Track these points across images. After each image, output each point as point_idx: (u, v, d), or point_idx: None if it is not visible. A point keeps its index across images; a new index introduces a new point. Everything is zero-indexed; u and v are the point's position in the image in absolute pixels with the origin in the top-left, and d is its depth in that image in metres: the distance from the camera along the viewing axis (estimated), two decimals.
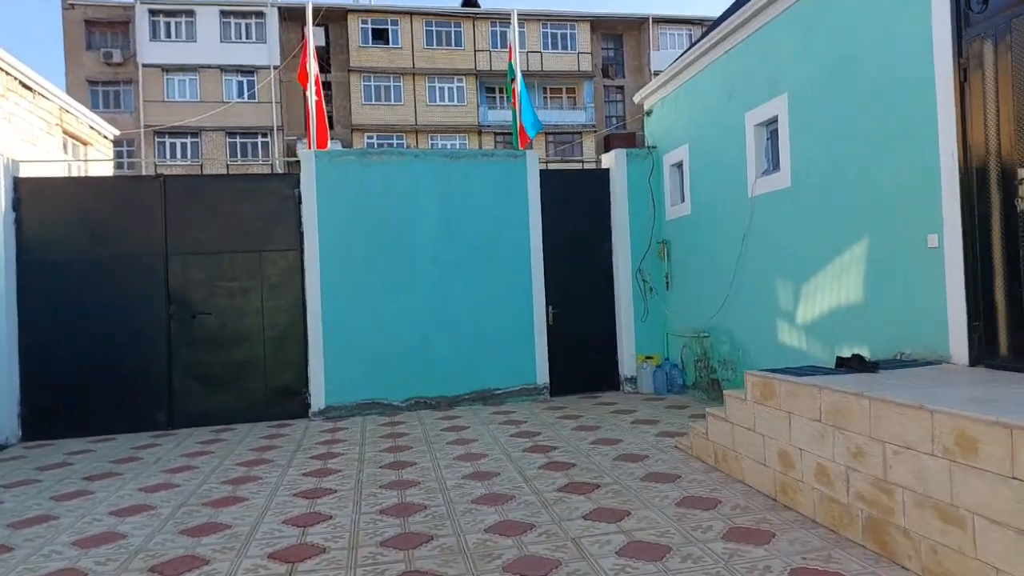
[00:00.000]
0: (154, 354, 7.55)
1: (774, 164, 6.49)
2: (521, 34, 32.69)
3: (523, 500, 4.52)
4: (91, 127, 12.83)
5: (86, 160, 11.65)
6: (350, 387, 7.87)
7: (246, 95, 29.65)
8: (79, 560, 3.79)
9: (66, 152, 11.65)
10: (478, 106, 32.40)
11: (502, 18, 32.43)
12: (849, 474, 3.63)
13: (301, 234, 7.94)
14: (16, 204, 7.40)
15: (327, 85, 31.91)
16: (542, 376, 8.43)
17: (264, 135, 29.78)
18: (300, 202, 7.95)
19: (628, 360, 8.80)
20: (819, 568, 3.27)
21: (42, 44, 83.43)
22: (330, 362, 7.83)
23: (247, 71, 29.85)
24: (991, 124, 4.14)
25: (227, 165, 28.46)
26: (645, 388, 8.60)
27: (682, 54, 8.46)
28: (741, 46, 6.87)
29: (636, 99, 9.65)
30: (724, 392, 5.03)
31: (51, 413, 7.28)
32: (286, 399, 7.85)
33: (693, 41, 32.53)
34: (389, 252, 8.07)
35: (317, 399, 7.82)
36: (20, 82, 10.10)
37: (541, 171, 8.58)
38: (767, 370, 4.73)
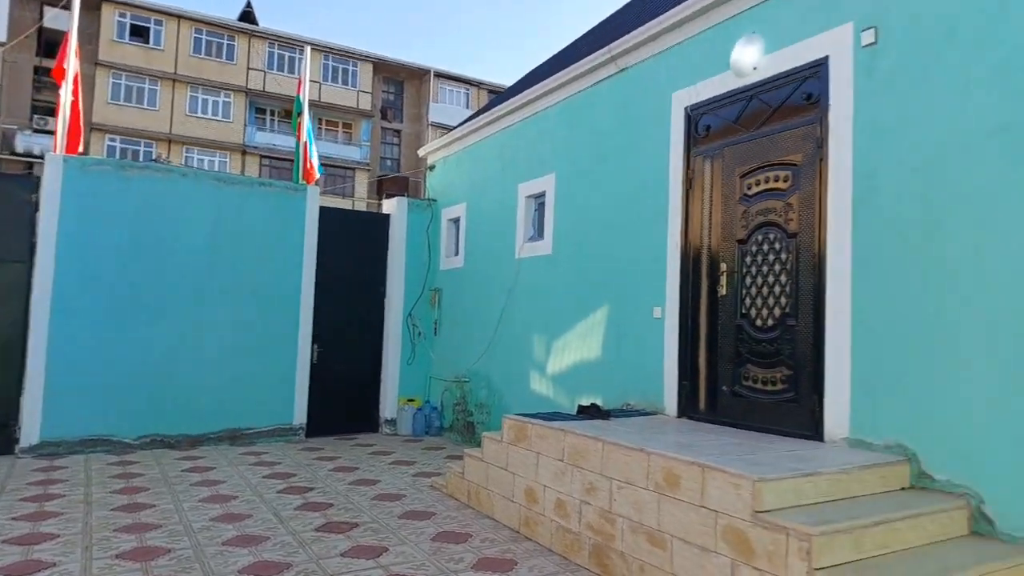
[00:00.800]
0: None
1: (539, 232, 7.29)
2: (300, 60, 31.98)
3: (279, 540, 4.46)
4: None
5: None
6: (73, 421, 6.97)
7: None
8: None
9: None
10: (245, 125, 30.81)
11: (280, 40, 31.52)
12: (582, 507, 4.22)
13: (34, 245, 6.98)
14: None
15: None
16: (299, 416, 8.24)
17: None
18: (37, 209, 7.02)
19: (390, 402, 8.97)
20: None
21: None
22: (51, 391, 6.88)
23: None
24: (705, 225, 5.20)
25: None
26: (404, 430, 8.82)
27: (467, 120, 9.14)
28: (519, 125, 7.68)
29: (420, 153, 10.12)
30: (484, 434, 5.47)
31: None
32: None
33: (468, 100, 34.17)
34: (140, 275, 7.41)
35: (29, 433, 6.79)
36: None
37: (321, 208, 8.56)
38: (521, 414, 5.27)
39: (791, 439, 4.35)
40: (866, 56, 4.13)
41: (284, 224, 8.27)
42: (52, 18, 26.24)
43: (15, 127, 25.99)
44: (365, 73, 33.58)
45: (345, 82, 32.99)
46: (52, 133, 26.33)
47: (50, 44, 27.69)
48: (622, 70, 6.10)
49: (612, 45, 6.08)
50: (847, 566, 3.01)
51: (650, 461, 3.78)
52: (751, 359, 4.78)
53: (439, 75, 35.72)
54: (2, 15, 25.34)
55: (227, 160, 30.19)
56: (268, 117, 32.01)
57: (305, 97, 9.46)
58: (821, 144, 4.35)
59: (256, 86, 30.71)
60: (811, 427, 4.32)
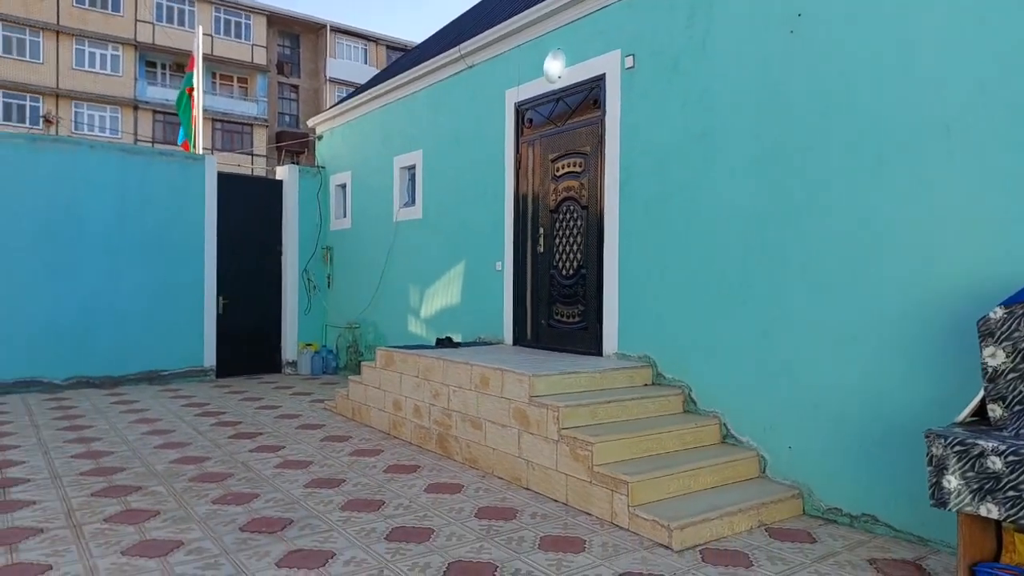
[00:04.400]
0: None
1: (412, 199, 8.70)
2: (191, 13, 31.27)
3: (199, 445, 5.82)
4: None
5: None
6: (5, 364, 7.96)
7: None
8: None
9: None
10: (135, 79, 30.05)
11: None
12: (431, 408, 5.81)
13: None
14: None
15: None
16: (209, 359, 9.45)
17: None
18: None
19: (291, 346, 10.29)
20: (405, 464, 5.32)
21: None
22: None
23: None
24: (529, 198, 6.77)
25: None
26: (304, 370, 10.17)
27: (349, 96, 10.31)
28: (395, 104, 8.98)
29: (310, 123, 11.20)
30: (362, 362, 6.95)
31: None
32: None
33: (367, 56, 34.32)
34: (57, 236, 8.34)
35: None
36: None
37: (221, 174, 9.61)
38: (390, 346, 6.77)
39: (583, 356, 6.05)
40: (628, 76, 5.73)
41: (185, 190, 9.29)
42: None
43: None
44: (259, 26, 33.16)
45: (239, 35, 32.52)
46: None
47: None
48: (470, 67, 7.51)
49: (462, 45, 7.47)
50: (585, 427, 4.70)
51: (472, 370, 5.39)
52: (559, 300, 6.45)
53: (336, 30, 35.65)
54: None
55: (118, 115, 29.51)
56: (159, 71, 31.25)
57: (198, 73, 10.29)
58: (601, 139, 5.96)
59: (145, 39, 29.90)
60: (596, 347, 6.03)
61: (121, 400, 7.80)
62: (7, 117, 27.01)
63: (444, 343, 6.85)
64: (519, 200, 6.89)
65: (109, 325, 8.66)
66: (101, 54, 29.12)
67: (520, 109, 6.87)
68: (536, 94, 6.65)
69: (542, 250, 6.63)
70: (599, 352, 5.98)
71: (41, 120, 27.27)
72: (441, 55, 7.87)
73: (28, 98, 27.48)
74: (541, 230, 6.63)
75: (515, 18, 6.73)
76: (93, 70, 28.86)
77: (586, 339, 6.15)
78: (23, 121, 27.21)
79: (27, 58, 27.40)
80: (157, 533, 3.72)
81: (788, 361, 4.49)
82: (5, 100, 27.01)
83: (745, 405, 4.77)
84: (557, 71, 6.30)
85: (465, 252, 7.62)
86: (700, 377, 5.13)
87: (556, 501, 4.43)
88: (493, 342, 7.12)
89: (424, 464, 5.32)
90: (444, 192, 8.00)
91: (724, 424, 4.92)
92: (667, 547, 3.64)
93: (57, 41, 27.99)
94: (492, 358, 5.75)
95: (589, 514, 4.17)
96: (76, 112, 28.49)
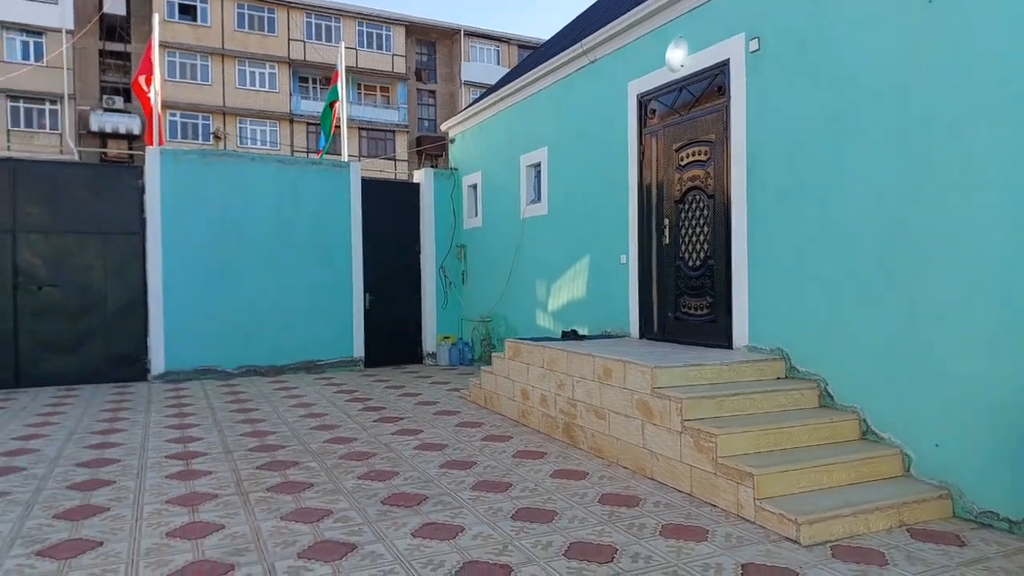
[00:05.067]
0: (1, 321, 8.24)
1: (538, 196, 8.91)
2: (336, 29, 33.53)
3: (348, 427, 6.35)
4: None
5: None
6: (188, 355, 9.08)
7: (32, 57, 27.29)
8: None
9: None
10: (291, 94, 32.70)
11: (316, 10, 33.00)
12: (556, 398, 5.97)
13: (144, 221, 8.97)
14: None
15: (126, 56, 30.33)
16: (358, 350, 10.21)
17: (53, 102, 27.65)
18: (144, 192, 8.97)
19: (430, 339, 10.88)
20: (533, 450, 5.53)
21: None
22: (170, 333, 8.98)
23: (35, 32, 27.49)
24: (653, 189, 6.75)
25: (7, 131, 26.12)
26: (442, 361, 10.71)
27: (477, 100, 10.69)
28: (517, 106, 9.24)
29: (443, 127, 11.74)
30: (492, 354, 7.25)
31: None
32: (126, 365, 8.88)
33: (499, 57, 35.12)
34: (226, 241, 9.36)
35: (157, 365, 8.93)
36: None
37: (364, 180, 10.34)
38: (518, 338, 7.02)
39: (711, 349, 5.95)
40: (753, 60, 5.56)
41: (334, 196, 10.09)
42: (110, 3, 28.32)
43: (88, 107, 28.42)
44: (398, 36, 34.91)
45: (380, 47, 34.43)
46: (122, 112, 28.81)
47: (111, 27, 29.89)
48: (593, 61, 7.58)
49: (584, 40, 7.55)
50: (710, 420, 4.66)
51: (594, 361, 5.49)
52: (686, 292, 6.39)
53: (469, 33, 36.76)
54: (67, 6, 27.48)
55: (276, 128, 32.25)
56: (311, 85, 33.76)
57: (342, 85, 11.08)
58: (726, 126, 5.83)
59: (297, 56, 32.43)
60: (725, 340, 5.92)
61: (282, 387, 8.64)
62: (184, 135, 30.33)
63: (569, 336, 6.99)
64: (643, 192, 6.88)
65: (272, 321, 9.60)
66: (260, 73, 31.95)
67: (643, 100, 6.85)
68: (658, 84, 6.60)
69: (667, 242, 6.59)
70: (728, 345, 5.86)
71: (211, 136, 30.44)
72: (563, 52, 8.00)
73: (200, 117, 30.72)
74: (666, 221, 6.59)
75: (636, 9, 6.72)
76: (254, 88, 31.73)
77: (715, 332, 6.05)
78: (196, 138, 30.46)
79: (198, 81, 30.63)
80: (310, 502, 4.16)
81: (935, 352, 4.20)
82: (182, 120, 30.36)
83: (887, 399, 4.51)
84: (679, 60, 6.23)
85: (590, 246, 7.71)
86: (838, 370, 4.90)
87: (680, 491, 4.44)
88: (619, 335, 7.17)
89: (550, 451, 5.49)
90: (568, 187, 8.13)
91: (863, 419, 4.68)
92: (794, 541, 3.56)
93: (223, 64, 31.05)
94: (615, 350, 5.81)
95: (714, 505, 4.15)
96: (240, 127, 31.48)
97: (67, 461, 5.19)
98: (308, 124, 32.88)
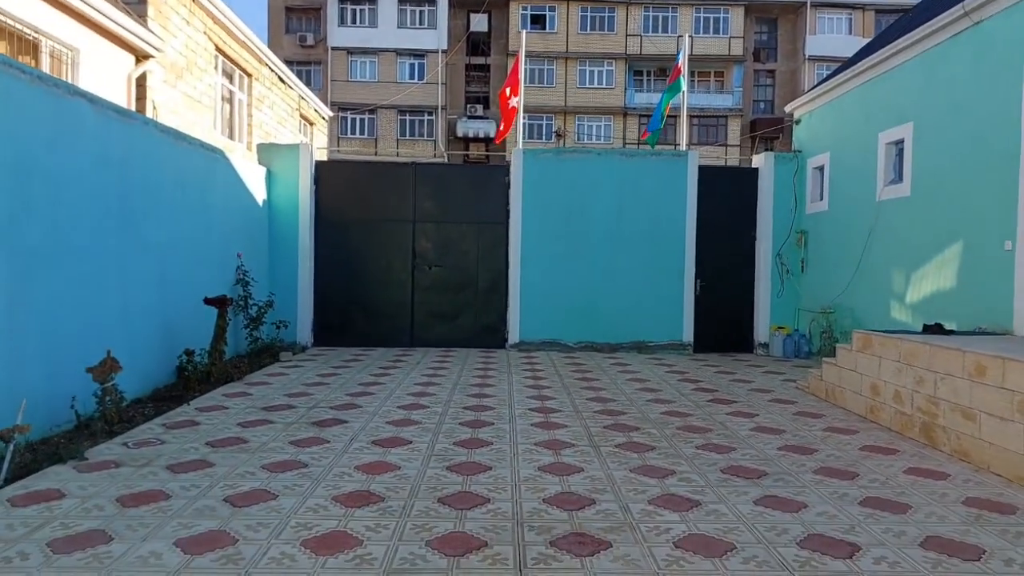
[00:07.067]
0: (402, 293, 10.38)
1: (899, 176, 8.09)
2: (673, 19, 33.80)
3: (681, 403, 6.66)
4: (315, 110, 16.23)
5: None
6: (537, 328, 10.31)
7: (416, 77, 32.93)
8: (402, 424, 6.38)
9: (300, 131, 15.05)
10: (625, 89, 33.97)
11: (655, 3, 33.63)
12: (913, 395, 5.49)
13: (508, 212, 10.40)
14: (316, 180, 10.35)
15: (486, 68, 34.71)
16: (688, 335, 10.47)
17: (429, 113, 33.03)
18: (509, 187, 10.40)
19: (762, 328, 10.63)
20: (882, 446, 5.19)
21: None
22: (524, 308, 10.30)
23: (419, 54, 33.13)
24: None
25: (397, 140, 31.99)
26: (775, 352, 10.39)
27: (829, 76, 10.03)
28: (877, 79, 8.46)
29: (787, 109, 11.26)
30: (837, 345, 6.89)
31: (333, 328, 10.27)
32: (489, 334, 10.45)
33: (851, 26, 31.91)
34: (572, 228, 10.36)
35: (513, 335, 10.33)
36: (279, 77, 13.36)
37: (700, 167, 10.50)
38: (867, 330, 6.55)
39: None
40: None
41: (671, 184, 10.43)
42: (476, 22, 32.65)
43: (456, 115, 33.30)
44: (737, 18, 33.83)
45: (716, 31, 33.77)
46: (481, 118, 33.21)
47: (474, 43, 34.50)
48: (976, 23, 6.63)
49: (966, 1, 6.64)
50: None
51: (964, 357, 4.93)
52: None
53: (816, 4, 33.95)
54: (443, 27, 32.48)
55: (610, 123, 33.87)
56: (645, 78, 34.65)
57: (684, 78, 11.32)
58: None
59: (634, 50, 33.54)
60: None
61: (617, 363, 9.31)
62: (529, 135, 33.62)
63: (932, 329, 6.30)
64: None
65: (608, 302, 10.37)
66: (598, 71, 33.82)
67: None
68: None
69: None
70: None
71: (553, 135, 33.22)
72: (936, 18, 7.13)
73: (544, 118, 33.72)
74: None
75: None
76: (592, 87, 33.73)
77: None
78: (540, 137, 33.52)
79: (544, 85, 33.62)
80: (654, 462, 4.57)
81: None
82: (528, 122, 33.66)
83: None
84: None
85: (961, 230, 6.81)
86: None
87: None
88: (997, 333, 6.24)
89: (903, 449, 5.10)
90: (937, 165, 7.25)
91: None
92: None
93: (566, 66, 33.58)
94: (991, 346, 5.13)
95: None
96: (578, 124, 33.77)
97: (456, 405, 6.43)
98: (640, 116, 33.81)
